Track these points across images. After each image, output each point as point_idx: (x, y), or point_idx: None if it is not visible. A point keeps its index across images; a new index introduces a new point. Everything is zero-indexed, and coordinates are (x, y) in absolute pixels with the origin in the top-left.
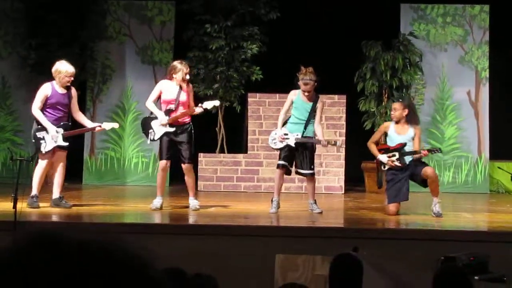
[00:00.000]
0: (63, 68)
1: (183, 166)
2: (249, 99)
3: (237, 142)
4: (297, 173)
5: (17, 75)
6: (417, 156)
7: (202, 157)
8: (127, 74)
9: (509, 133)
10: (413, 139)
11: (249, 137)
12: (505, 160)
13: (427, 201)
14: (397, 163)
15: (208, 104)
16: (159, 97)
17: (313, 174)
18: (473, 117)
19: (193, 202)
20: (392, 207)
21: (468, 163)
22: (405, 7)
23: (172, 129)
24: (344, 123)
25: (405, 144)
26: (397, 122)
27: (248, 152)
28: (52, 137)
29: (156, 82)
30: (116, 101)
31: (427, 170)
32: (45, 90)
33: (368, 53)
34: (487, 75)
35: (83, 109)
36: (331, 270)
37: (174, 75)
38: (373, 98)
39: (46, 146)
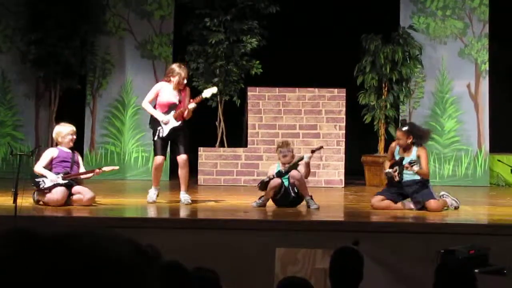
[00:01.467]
0: (63, 129)
1: (179, 158)
2: (249, 93)
3: (237, 136)
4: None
5: (17, 69)
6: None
7: (202, 151)
8: (127, 68)
9: (509, 126)
10: (418, 158)
11: (249, 131)
12: (505, 153)
13: None
14: (397, 176)
15: (207, 93)
16: (155, 98)
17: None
18: (473, 110)
19: (184, 197)
20: (374, 198)
21: (468, 156)
22: (405, 0)
23: (179, 123)
24: (344, 116)
25: (403, 158)
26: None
27: (248, 146)
28: (52, 180)
29: (156, 77)
30: (116, 95)
31: (431, 205)
32: (51, 152)
33: (367, 46)
34: (487, 68)
35: (83, 103)
36: (331, 263)
37: (171, 78)
38: (373, 91)
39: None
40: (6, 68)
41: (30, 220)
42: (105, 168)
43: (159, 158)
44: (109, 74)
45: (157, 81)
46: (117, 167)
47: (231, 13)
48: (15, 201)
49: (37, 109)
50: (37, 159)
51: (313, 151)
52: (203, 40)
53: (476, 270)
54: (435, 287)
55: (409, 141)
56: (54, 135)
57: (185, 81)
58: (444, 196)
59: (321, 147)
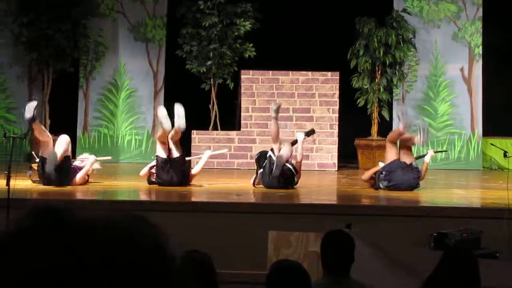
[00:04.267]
0: None
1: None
2: (242, 76)
3: (230, 119)
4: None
5: (9, 52)
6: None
7: (195, 134)
8: (120, 51)
9: (502, 110)
10: None
11: (242, 114)
12: (498, 136)
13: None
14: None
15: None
16: None
17: None
18: (466, 93)
19: None
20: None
21: (461, 139)
22: None
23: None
24: (337, 100)
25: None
26: None
27: (241, 129)
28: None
29: (149, 59)
30: (109, 78)
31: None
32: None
33: (361, 29)
34: (480, 52)
35: (76, 86)
36: (322, 247)
37: None
38: (366, 75)
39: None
40: None
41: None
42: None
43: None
44: (102, 56)
45: (150, 64)
46: (110, 157)
47: None
48: (8, 183)
49: (30, 92)
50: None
51: (306, 135)
52: (196, 23)
53: None
54: (436, 271)
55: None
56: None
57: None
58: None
59: (312, 131)
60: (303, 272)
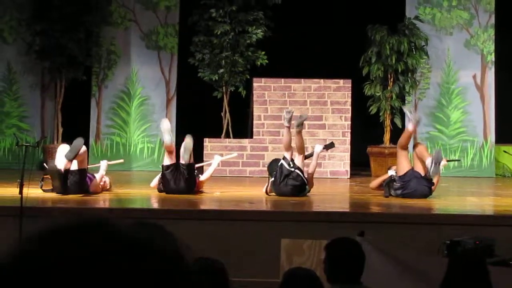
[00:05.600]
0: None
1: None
2: (255, 84)
3: (243, 127)
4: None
5: (22, 61)
6: None
7: (208, 142)
8: (132, 59)
9: None
10: None
11: (254, 122)
12: (511, 144)
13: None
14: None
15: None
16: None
17: None
18: (478, 101)
19: None
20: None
21: (474, 147)
22: None
23: None
24: (350, 107)
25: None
26: None
27: (254, 137)
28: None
29: (161, 67)
30: (121, 86)
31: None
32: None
33: (373, 37)
34: (493, 59)
35: (88, 94)
36: (328, 255)
37: None
38: (379, 82)
39: None
40: (11, 59)
41: (37, 212)
42: (109, 162)
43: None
44: (114, 65)
45: (162, 72)
46: (122, 160)
47: (237, 3)
48: (21, 192)
49: (43, 100)
50: (46, 150)
51: (325, 148)
52: (208, 30)
53: None
54: (447, 279)
55: None
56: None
57: None
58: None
59: (332, 144)
60: (317, 280)
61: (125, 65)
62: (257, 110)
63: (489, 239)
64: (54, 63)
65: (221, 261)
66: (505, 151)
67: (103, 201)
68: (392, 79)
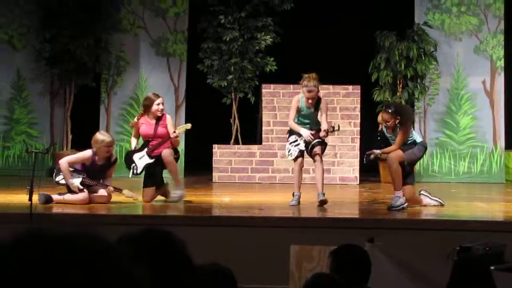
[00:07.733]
0: (101, 138)
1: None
2: (264, 90)
3: (252, 133)
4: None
5: (32, 67)
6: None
7: (217, 149)
8: (141, 66)
9: None
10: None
11: (263, 128)
12: None
13: (444, 191)
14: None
15: (180, 129)
16: (139, 135)
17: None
18: (488, 106)
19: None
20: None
21: (483, 152)
22: None
23: (152, 160)
24: (359, 113)
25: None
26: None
27: (263, 143)
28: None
29: (171, 74)
30: (130, 93)
31: (405, 191)
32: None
33: (382, 43)
34: (502, 64)
35: (97, 101)
36: (333, 262)
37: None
38: (388, 88)
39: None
40: (21, 66)
41: (47, 218)
42: (125, 192)
43: (147, 190)
44: (123, 71)
45: (171, 79)
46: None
47: (246, 10)
48: (30, 198)
49: (52, 107)
50: (55, 157)
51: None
52: (217, 37)
53: (491, 267)
54: (451, 284)
55: (397, 121)
56: (92, 141)
57: (160, 108)
58: (423, 195)
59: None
60: (341, 285)
61: (134, 71)
62: (266, 116)
63: (499, 245)
64: (63, 70)
65: (230, 267)
66: None
67: (113, 208)
68: (401, 85)
